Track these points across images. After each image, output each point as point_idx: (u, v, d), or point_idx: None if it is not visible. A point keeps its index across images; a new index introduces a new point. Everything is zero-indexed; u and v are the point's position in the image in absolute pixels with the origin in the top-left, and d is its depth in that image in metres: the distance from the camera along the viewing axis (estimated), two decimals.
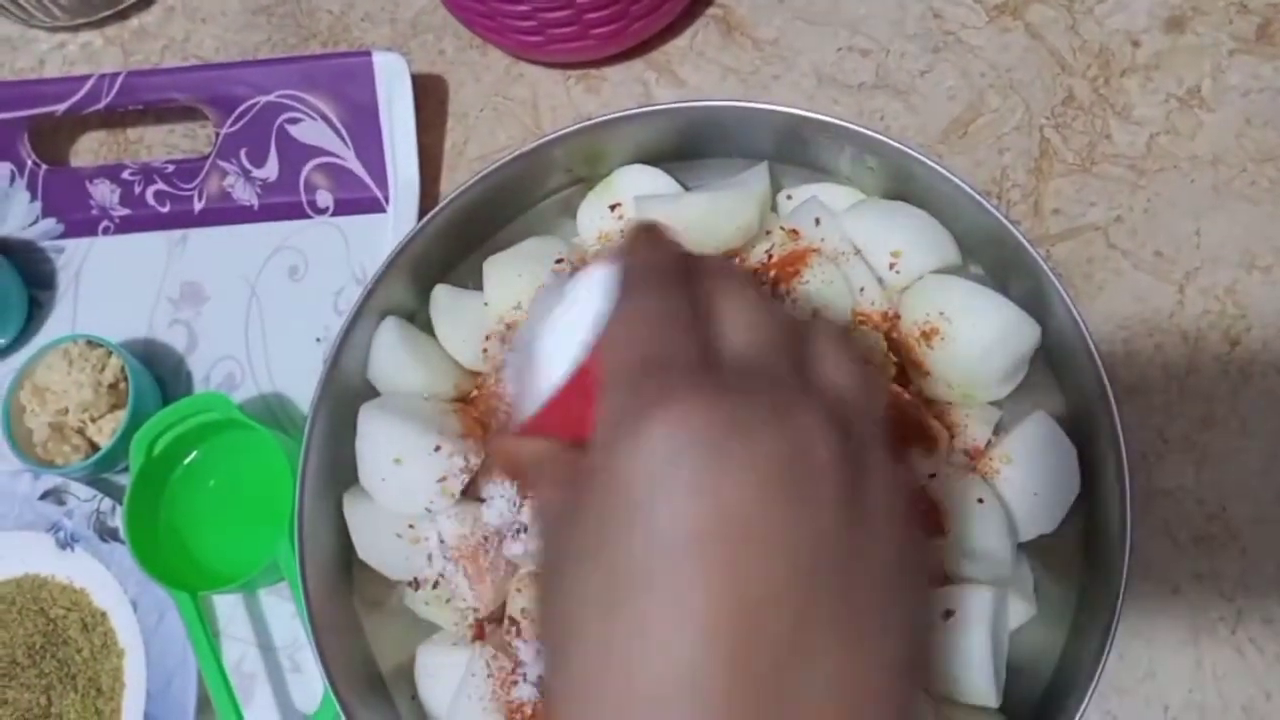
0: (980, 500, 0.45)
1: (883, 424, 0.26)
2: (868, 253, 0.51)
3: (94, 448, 0.56)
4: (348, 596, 0.51)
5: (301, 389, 0.59)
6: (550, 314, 0.29)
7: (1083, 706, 0.42)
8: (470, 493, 0.49)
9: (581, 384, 0.27)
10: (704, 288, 0.27)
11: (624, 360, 0.25)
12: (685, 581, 0.21)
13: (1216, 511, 0.52)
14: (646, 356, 0.25)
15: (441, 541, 0.49)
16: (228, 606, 0.56)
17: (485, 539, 0.48)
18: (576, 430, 0.26)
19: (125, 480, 0.54)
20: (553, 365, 0.28)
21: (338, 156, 0.62)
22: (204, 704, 0.52)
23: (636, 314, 0.26)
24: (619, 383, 0.25)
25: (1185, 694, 0.50)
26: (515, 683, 0.45)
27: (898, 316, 0.50)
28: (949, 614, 0.43)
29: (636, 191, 0.53)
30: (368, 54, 0.60)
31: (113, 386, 0.56)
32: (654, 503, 0.22)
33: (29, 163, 0.64)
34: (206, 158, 0.63)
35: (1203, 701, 0.49)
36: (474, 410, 0.51)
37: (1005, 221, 0.48)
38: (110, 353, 0.57)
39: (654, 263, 0.28)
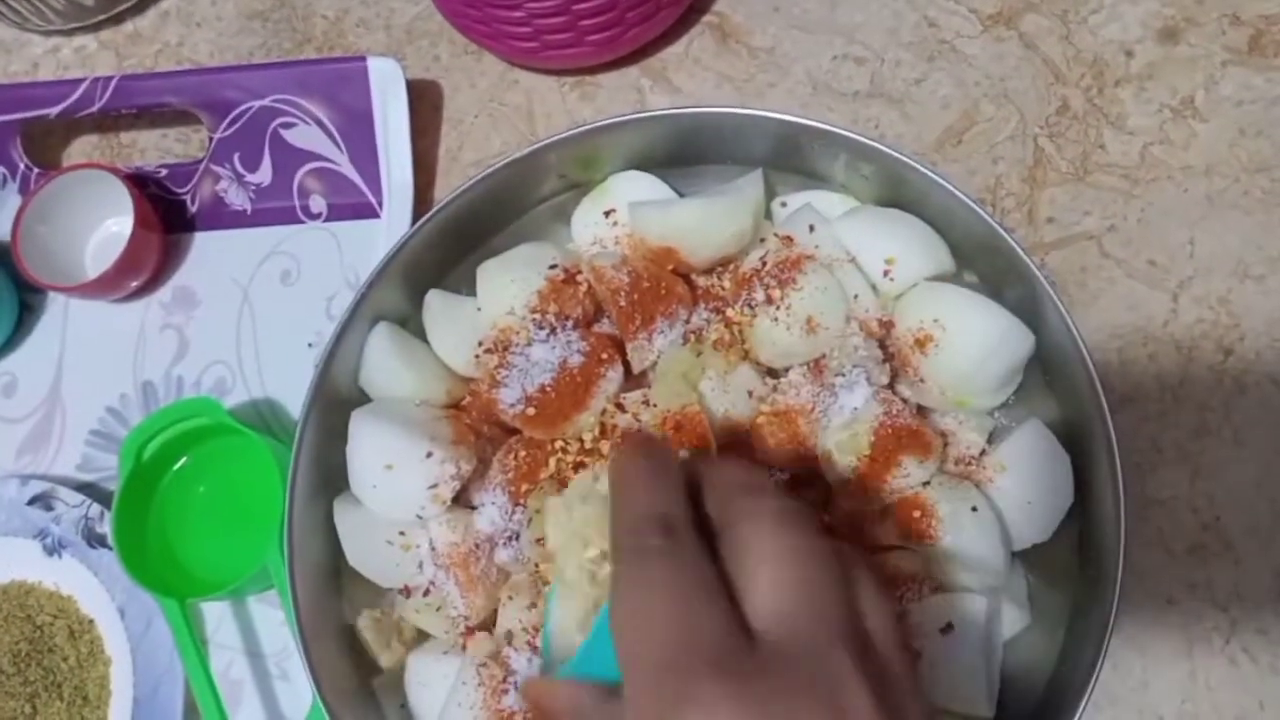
0: (974, 509, 0.45)
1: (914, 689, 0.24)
2: (862, 260, 0.50)
3: None
4: (337, 604, 0.50)
5: (293, 394, 0.58)
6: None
7: (1076, 716, 0.42)
8: (462, 500, 0.49)
9: None
10: (725, 524, 0.24)
11: (642, 646, 0.23)
12: None
13: (1210, 521, 0.52)
14: (666, 641, 0.23)
15: (432, 549, 0.48)
16: (216, 614, 0.55)
17: (476, 546, 0.48)
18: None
19: (114, 485, 0.54)
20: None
21: (332, 161, 0.62)
22: (191, 711, 0.51)
23: (647, 584, 0.24)
24: (641, 674, 0.23)
25: (1179, 704, 0.49)
26: (505, 691, 0.45)
27: (892, 323, 0.50)
28: (948, 628, 0.43)
29: (631, 197, 0.53)
30: (363, 59, 0.60)
31: None
32: None
33: (21, 166, 0.64)
34: (200, 162, 0.63)
35: (1196, 712, 0.49)
36: (466, 416, 0.51)
37: (999, 229, 0.48)
38: None
39: (657, 503, 0.26)
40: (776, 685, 0.22)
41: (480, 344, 0.51)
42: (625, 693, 0.23)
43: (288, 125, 0.61)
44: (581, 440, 0.47)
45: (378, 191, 0.61)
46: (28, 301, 0.63)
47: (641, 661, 0.23)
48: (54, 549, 0.55)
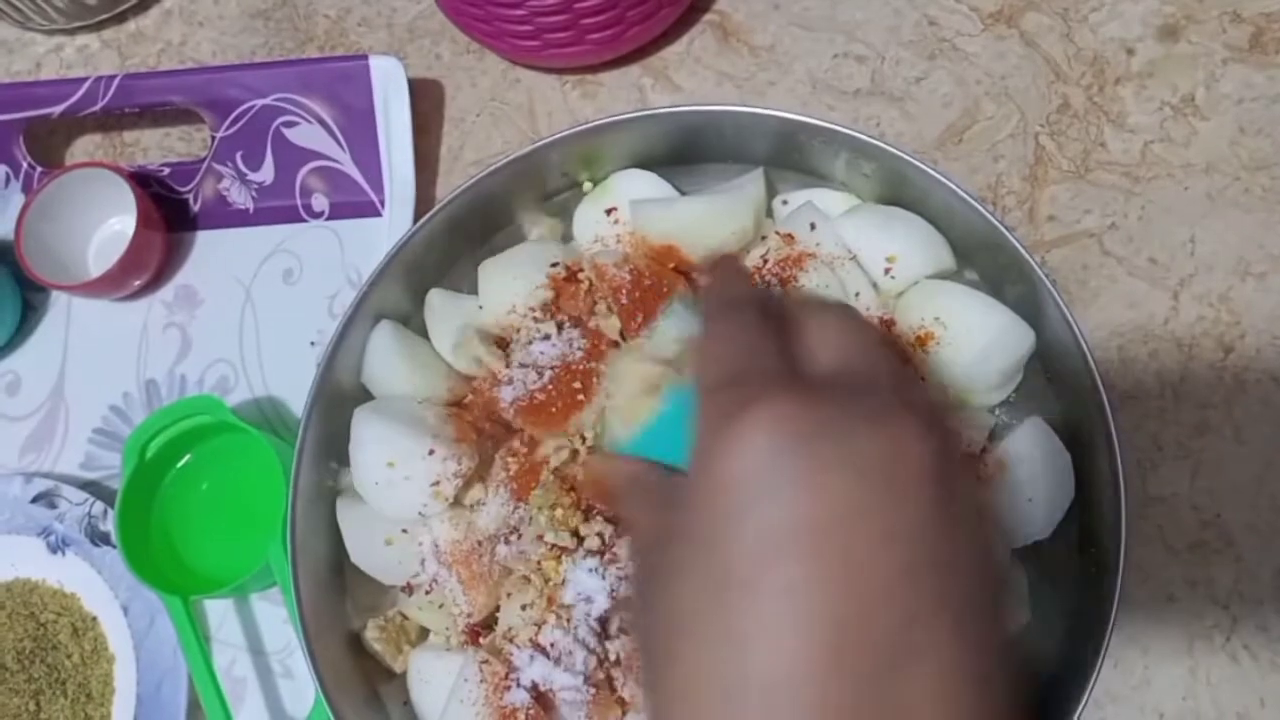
0: None
1: (957, 436, 0.26)
2: (863, 258, 0.51)
3: None
4: (340, 601, 0.50)
5: (295, 392, 0.59)
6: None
7: (1077, 713, 0.42)
8: (464, 497, 0.49)
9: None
10: (790, 312, 0.27)
11: (714, 374, 0.25)
12: (799, 573, 0.21)
13: (1211, 518, 0.52)
14: (736, 370, 0.25)
15: (435, 546, 0.48)
16: (219, 611, 0.55)
17: (479, 544, 0.48)
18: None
19: (117, 484, 0.54)
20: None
21: (334, 160, 0.62)
22: (194, 709, 0.52)
23: (723, 334, 0.27)
24: (712, 394, 0.25)
25: (1179, 701, 0.49)
26: (508, 688, 0.45)
27: (893, 321, 0.50)
28: None
29: (632, 196, 0.53)
30: (364, 58, 0.60)
31: None
32: (760, 499, 0.22)
33: (24, 165, 0.64)
34: (202, 161, 0.63)
35: (1197, 709, 0.49)
36: (468, 414, 0.51)
37: (1000, 227, 0.48)
38: None
39: (735, 289, 0.29)
40: (834, 404, 0.23)
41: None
42: (696, 409, 0.25)
43: (290, 124, 0.62)
44: (583, 437, 0.48)
45: (379, 190, 0.61)
46: (31, 300, 0.63)
47: (714, 385, 0.25)
48: (57, 547, 0.56)
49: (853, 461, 0.22)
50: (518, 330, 0.51)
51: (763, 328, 0.26)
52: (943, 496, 0.23)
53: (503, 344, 0.52)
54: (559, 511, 0.45)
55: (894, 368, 0.26)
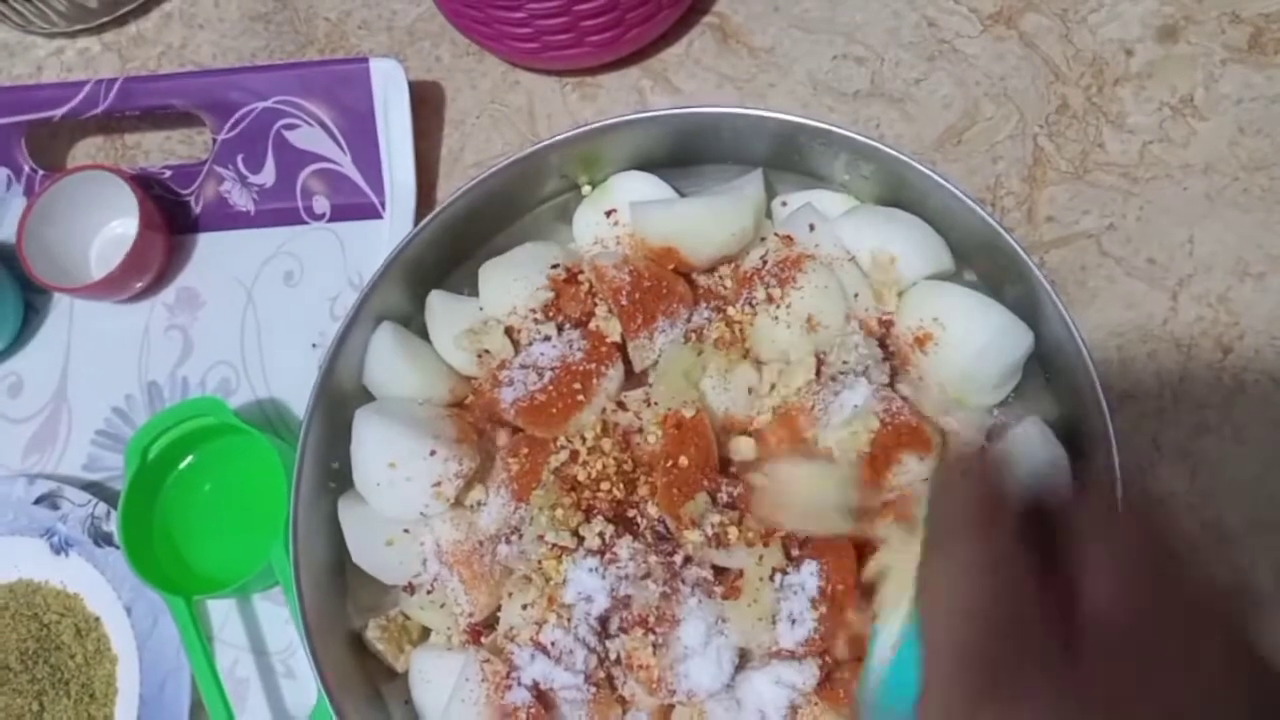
0: None
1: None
2: (862, 259, 0.51)
3: None
4: (342, 601, 0.51)
5: (297, 394, 0.59)
6: None
7: None
8: (465, 497, 0.49)
9: None
10: (1064, 523, 0.21)
11: (960, 639, 0.20)
12: None
13: (1210, 519, 0.52)
14: (988, 640, 0.20)
15: (436, 546, 0.49)
16: (221, 612, 0.55)
17: (480, 543, 0.48)
18: None
19: (120, 485, 0.54)
20: None
21: (334, 162, 0.62)
22: (197, 709, 0.52)
23: (973, 576, 0.21)
24: (943, 664, 0.20)
25: None
26: (509, 687, 0.45)
27: (892, 322, 0.50)
28: None
29: (632, 197, 0.54)
30: (365, 61, 0.60)
31: None
32: None
33: (26, 168, 0.65)
34: (203, 163, 0.63)
35: None
36: (469, 415, 0.51)
37: (999, 228, 0.48)
38: None
39: (988, 510, 0.22)
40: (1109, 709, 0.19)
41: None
42: (925, 681, 0.21)
43: (291, 126, 0.62)
44: (583, 438, 0.48)
45: (380, 192, 0.61)
46: (33, 302, 0.63)
47: (944, 650, 0.20)
48: (61, 548, 0.56)
49: None
50: (518, 331, 0.51)
51: (1028, 578, 0.20)
52: None
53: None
54: (559, 511, 0.45)
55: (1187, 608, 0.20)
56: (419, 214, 0.60)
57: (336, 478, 0.51)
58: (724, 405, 0.48)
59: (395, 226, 0.60)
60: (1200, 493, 0.52)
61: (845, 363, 0.48)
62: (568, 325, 0.51)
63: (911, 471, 0.46)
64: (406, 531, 0.49)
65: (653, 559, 0.45)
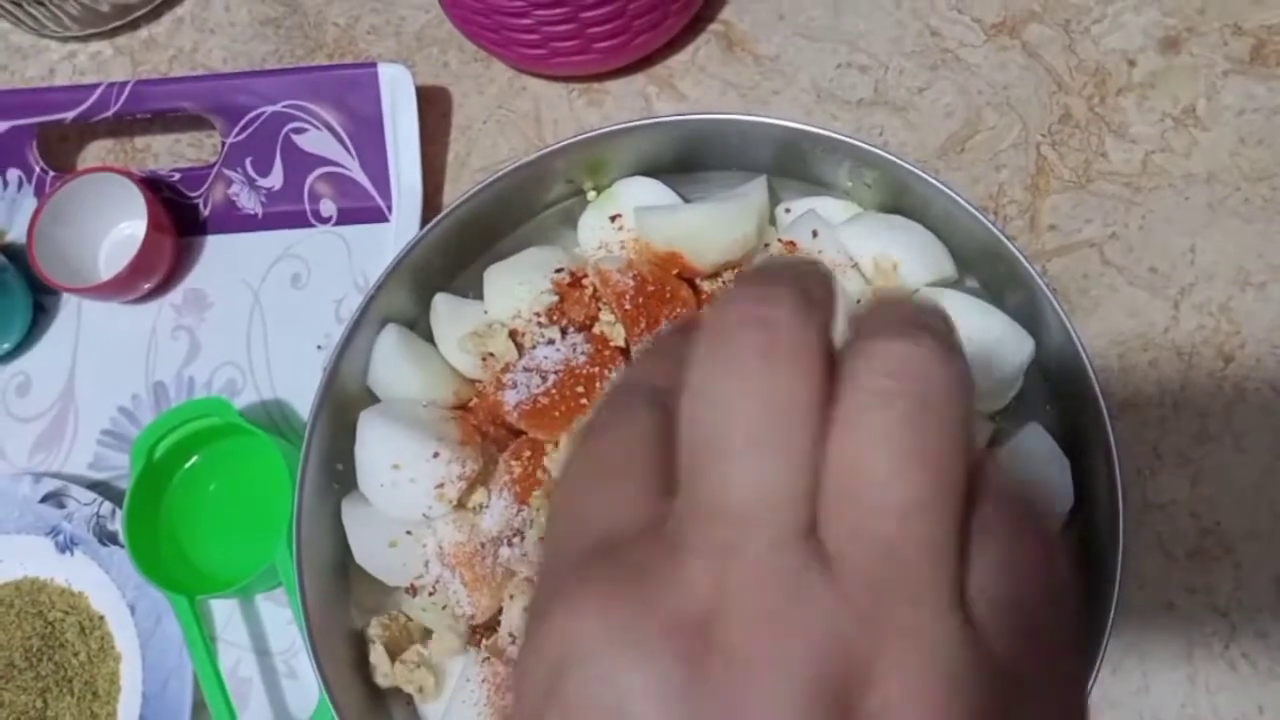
0: None
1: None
2: (864, 265, 0.51)
3: None
4: (345, 602, 0.51)
5: (302, 395, 0.59)
6: None
7: None
8: (468, 500, 0.50)
9: None
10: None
11: (551, 535, 0.18)
12: None
13: (1211, 526, 0.52)
14: (585, 524, 0.17)
15: (439, 548, 0.49)
16: (225, 611, 0.56)
17: (482, 545, 0.49)
18: None
19: (125, 484, 0.55)
20: None
21: (342, 166, 0.62)
22: (199, 708, 0.52)
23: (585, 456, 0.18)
24: (551, 562, 0.18)
25: (1178, 709, 0.50)
26: (510, 688, 0.45)
27: None
28: None
29: (637, 203, 0.54)
30: (373, 66, 0.61)
31: None
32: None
33: (37, 169, 0.65)
34: (212, 166, 0.64)
35: (1196, 716, 0.49)
36: (472, 418, 0.51)
37: (1001, 236, 0.48)
38: None
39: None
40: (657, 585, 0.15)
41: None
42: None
43: (299, 130, 0.62)
44: None
45: (387, 196, 0.62)
46: (42, 302, 0.64)
47: (558, 549, 0.18)
48: (66, 546, 0.56)
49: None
50: (522, 334, 0.52)
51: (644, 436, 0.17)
52: None
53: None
54: None
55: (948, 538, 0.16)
56: (425, 218, 0.60)
57: (340, 479, 0.51)
58: None
59: (401, 230, 0.60)
60: (1201, 500, 0.52)
61: None
62: (571, 329, 0.52)
63: None
64: (409, 533, 0.49)
65: None
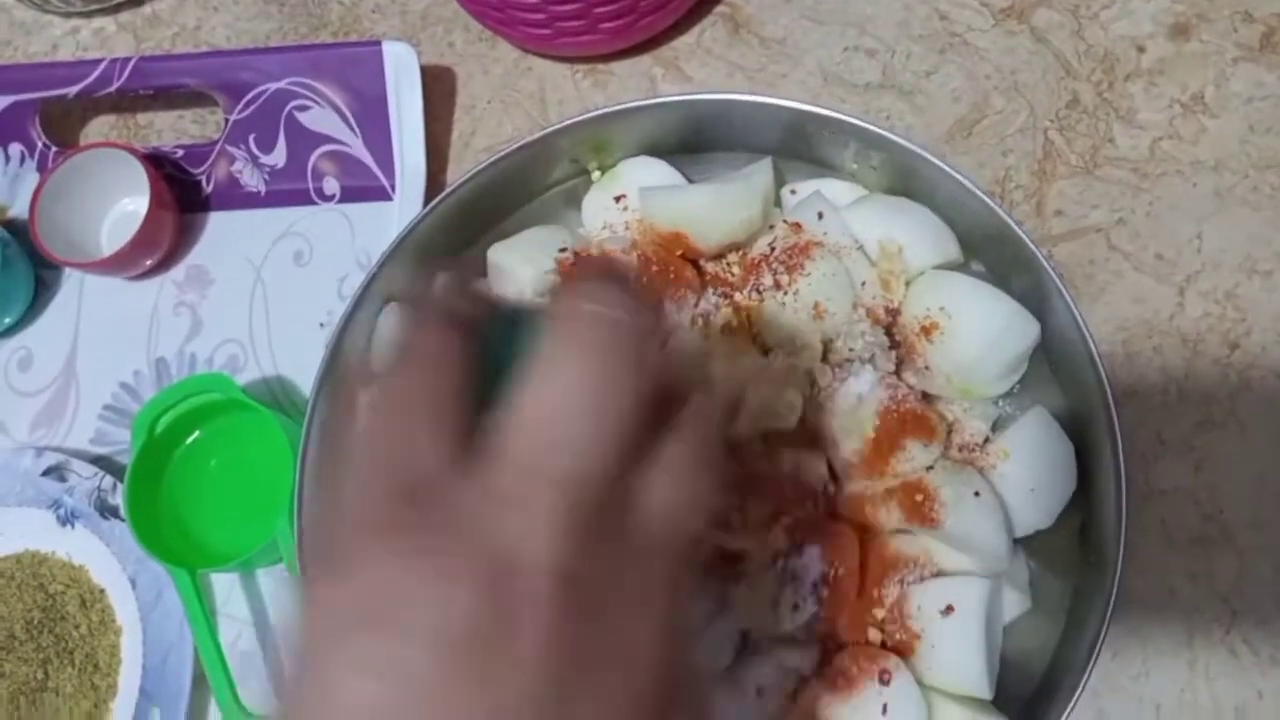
0: (976, 494, 0.45)
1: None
2: (869, 247, 0.51)
3: None
4: None
5: (304, 372, 0.59)
6: None
7: (1073, 702, 0.42)
8: None
9: None
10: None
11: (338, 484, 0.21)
12: None
13: (1213, 513, 0.52)
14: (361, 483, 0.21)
15: None
16: (225, 586, 0.56)
17: None
18: None
19: (126, 459, 0.55)
20: None
21: (345, 144, 0.62)
22: (199, 681, 0.52)
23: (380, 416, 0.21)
24: (322, 514, 0.20)
25: (1178, 693, 0.50)
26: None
27: (898, 311, 0.50)
28: (949, 610, 0.43)
29: (641, 183, 0.54)
30: (378, 44, 0.60)
31: None
32: (326, 679, 0.19)
33: (39, 144, 0.65)
34: (215, 143, 0.64)
35: (1195, 701, 0.49)
36: None
37: (1008, 219, 0.48)
38: None
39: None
40: (444, 535, 0.19)
41: None
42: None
43: (303, 108, 0.62)
44: None
45: (390, 175, 0.62)
46: (44, 278, 0.64)
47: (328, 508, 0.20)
48: (67, 519, 0.56)
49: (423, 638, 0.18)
50: None
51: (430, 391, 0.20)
52: (556, 669, 0.19)
53: None
54: None
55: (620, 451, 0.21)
56: (428, 197, 0.60)
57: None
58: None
59: (405, 209, 0.60)
60: (1204, 487, 0.52)
61: (851, 350, 0.48)
62: None
63: (916, 458, 0.46)
64: None
65: None
